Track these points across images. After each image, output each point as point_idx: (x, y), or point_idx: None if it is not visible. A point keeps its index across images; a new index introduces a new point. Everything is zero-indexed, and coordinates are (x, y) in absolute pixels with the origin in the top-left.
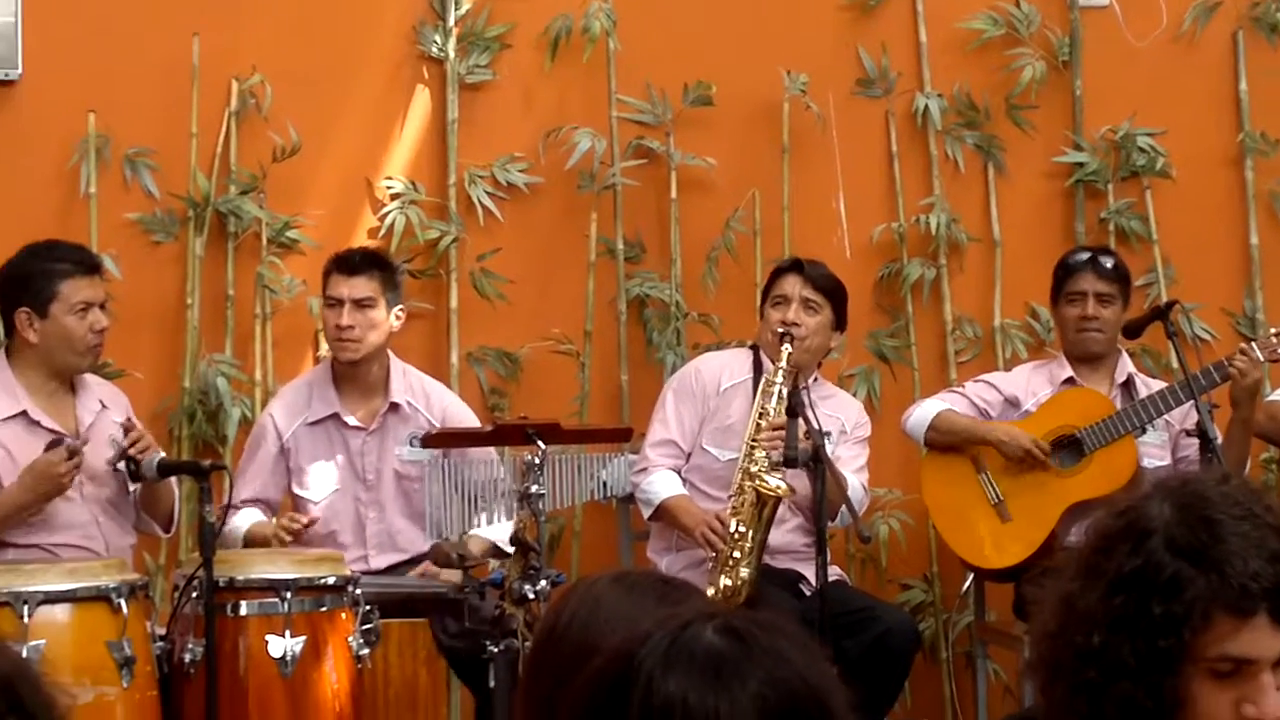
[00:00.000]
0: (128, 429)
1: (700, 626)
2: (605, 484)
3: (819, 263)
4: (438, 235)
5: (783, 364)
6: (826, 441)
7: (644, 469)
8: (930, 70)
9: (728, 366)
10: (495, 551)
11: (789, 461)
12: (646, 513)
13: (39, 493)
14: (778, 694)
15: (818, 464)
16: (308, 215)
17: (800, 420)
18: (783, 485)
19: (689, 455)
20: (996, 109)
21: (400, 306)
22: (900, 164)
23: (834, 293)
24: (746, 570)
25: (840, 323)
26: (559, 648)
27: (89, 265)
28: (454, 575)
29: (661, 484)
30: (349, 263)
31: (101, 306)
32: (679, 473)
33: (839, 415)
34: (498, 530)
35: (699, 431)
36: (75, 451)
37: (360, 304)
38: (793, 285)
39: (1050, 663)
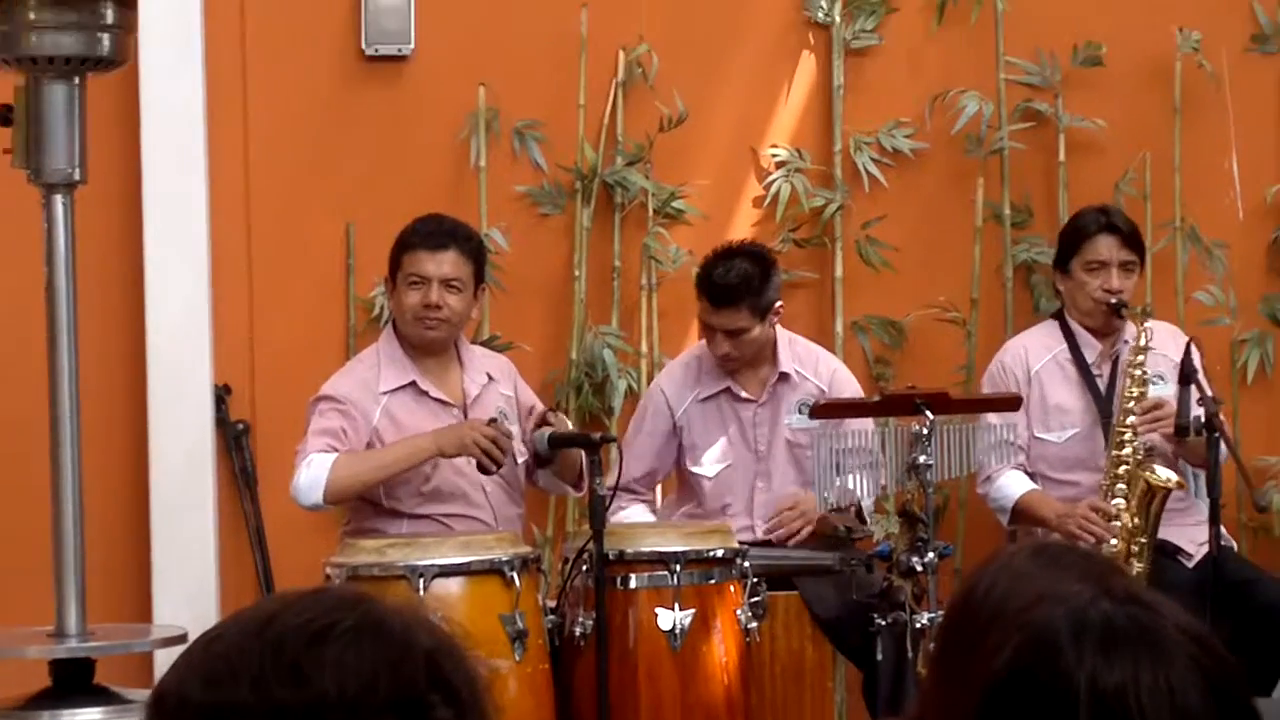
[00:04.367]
0: (544, 421)
1: (1106, 600)
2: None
3: (1120, 212)
4: (823, 203)
5: (1143, 343)
6: (1161, 382)
7: (987, 477)
8: None
9: (1030, 348)
10: (858, 514)
11: (1181, 430)
12: (1004, 520)
13: (441, 441)
14: (1209, 658)
15: (1210, 431)
16: (693, 185)
17: (1193, 387)
18: (1174, 477)
19: (1026, 448)
20: None
21: (768, 318)
22: None
23: (1142, 244)
24: (1140, 565)
25: (1143, 266)
26: (976, 616)
27: (436, 241)
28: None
29: (1011, 484)
30: (715, 295)
31: (449, 285)
32: (1024, 469)
33: (1165, 352)
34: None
35: (1027, 423)
36: (501, 429)
37: (733, 333)
38: (1109, 249)
39: None
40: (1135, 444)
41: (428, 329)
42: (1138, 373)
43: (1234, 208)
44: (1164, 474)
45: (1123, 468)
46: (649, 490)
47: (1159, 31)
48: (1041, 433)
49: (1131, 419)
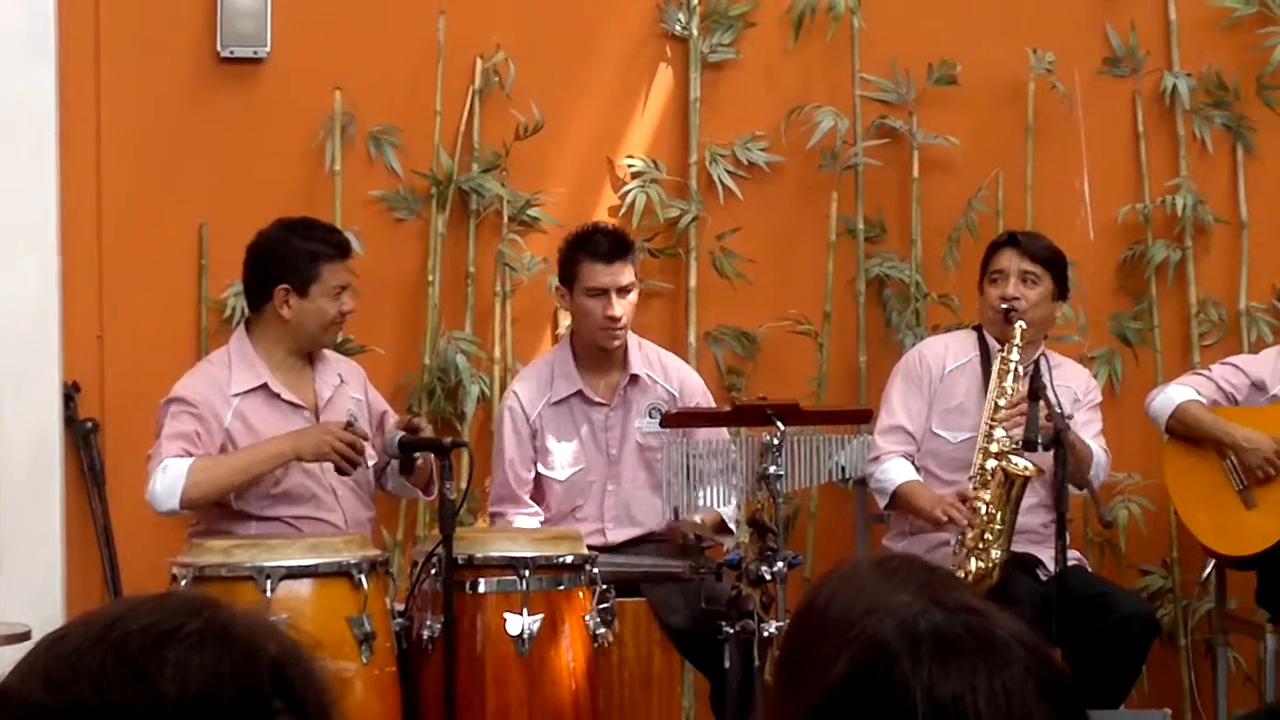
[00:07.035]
0: (414, 427)
1: (938, 610)
2: (842, 466)
3: (1036, 234)
4: (678, 214)
5: (1016, 341)
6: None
7: (876, 457)
8: (1179, 49)
9: (950, 348)
10: (721, 527)
11: (1029, 445)
12: (882, 502)
13: (299, 445)
14: (1042, 665)
15: (1059, 447)
16: (549, 193)
17: (1041, 402)
18: (1030, 465)
19: (920, 441)
20: (1247, 89)
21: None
22: (1146, 144)
23: (1052, 262)
24: (997, 552)
25: (1062, 292)
26: (817, 624)
27: (345, 249)
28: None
29: (895, 471)
30: (607, 251)
31: (350, 289)
32: (912, 459)
33: (1069, 384)
34: (725, 509)
35: (927, 415)
36: (358, 432)
37: (624, 290)
38: (1009, 259)
39: None
40: (997, 434)
41: (338, 333)
42: (1010, 368)
43: (1085, 227)
44: (1020, 463)
45: (990, 461)
46: (532, 501)
47: (1013, 52)
48: (939, 429)
49: (1002, 412)
